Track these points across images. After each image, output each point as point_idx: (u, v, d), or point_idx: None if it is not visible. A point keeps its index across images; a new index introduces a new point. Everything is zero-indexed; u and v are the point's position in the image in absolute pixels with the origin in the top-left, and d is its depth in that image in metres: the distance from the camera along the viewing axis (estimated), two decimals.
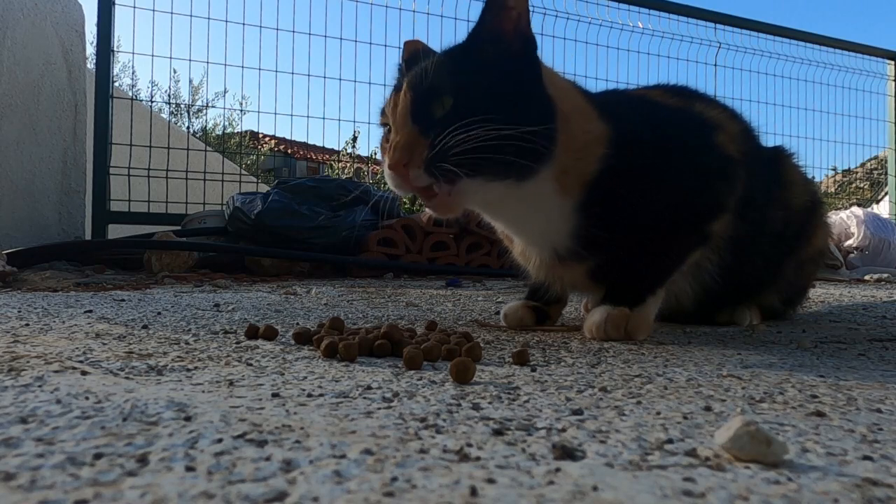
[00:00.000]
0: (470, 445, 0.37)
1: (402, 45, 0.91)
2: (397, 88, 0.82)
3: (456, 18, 3.39)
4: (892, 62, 4.58)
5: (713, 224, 0.91)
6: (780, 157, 1.11)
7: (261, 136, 7.84)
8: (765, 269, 1.05)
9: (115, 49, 3.05)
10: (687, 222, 0.89)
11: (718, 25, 4.01)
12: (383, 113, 0.84)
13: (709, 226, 0.91)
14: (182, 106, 6.83)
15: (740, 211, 0.93)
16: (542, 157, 0.78)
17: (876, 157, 5.37)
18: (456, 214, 0.80)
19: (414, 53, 0.88)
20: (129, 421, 0.41)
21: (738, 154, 0.93)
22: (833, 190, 5.77)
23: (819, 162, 4.49)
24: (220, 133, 6.36)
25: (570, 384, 0.56)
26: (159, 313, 1.06)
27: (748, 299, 1.08)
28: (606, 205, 0.83)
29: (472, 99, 0.75)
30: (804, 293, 1.24)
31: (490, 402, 0.48)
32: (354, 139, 4.70)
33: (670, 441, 0.39)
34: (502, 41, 0.79)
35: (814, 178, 4.54)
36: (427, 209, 0.81)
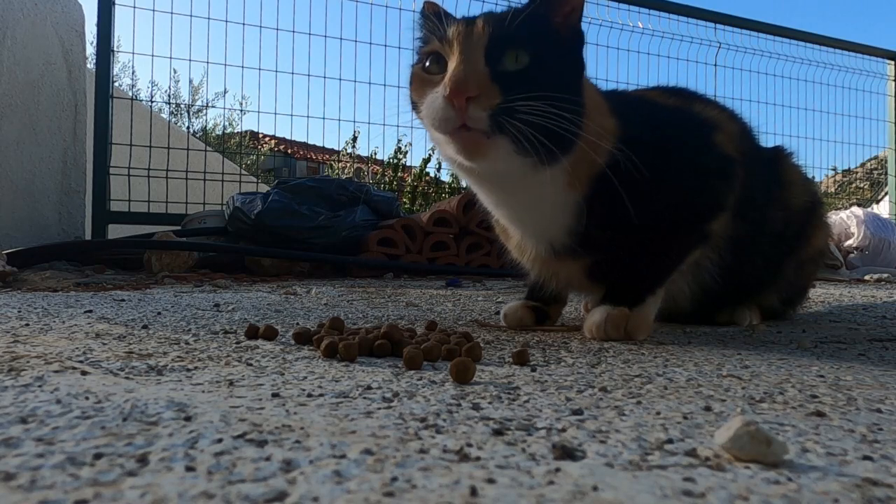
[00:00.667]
0: (470, 445, 0.37)
1: (421, 9, 0.88)
2: (425, 40, 0.82)
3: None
4: (892, 62, 4.58)
5: (712, 223, 0.91)
6: (779, 157, 1.11)
7: (261, 136, 7.84)
8: (764, 268, 1.05)
9: (115, 49, 3.05)
10: (686, 221, 0.89)
11: (718, 25, 4.01)
12: (426, 40, 0.82)
13: (708, 225, 0.91)
14: (182, 106, 6.83)
15: (740, 210, 0.93)
16: (570, 147, 0.78)
17: (876, 157, 5.37)
18: (479, 161, 0.77)
19: (437, 13, 0.86)
20: (129, 421, 0.41)
21: (737, 153, 0.94)
22: (833, 190, 5.77)
23: (819, 162, 4.50)
24: (220, 133, 6.37)
25: (570, 384, 0.56)
26: (159, 313, 1.06)
27: (748, 299, 1.08)
28: (608, 200, 0.83)
29: (545, 68, 0.76)
30: (804, 293, 1.24)
31: (490, 402, 0.48)
32: (354, 139, 4.69)
33: (670, 441, 0.39)
34: (560, 29, 0.81)
35: (814, 178, 4.54)
36: (450, 147, 0.77)
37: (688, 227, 0.90)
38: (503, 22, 0.77)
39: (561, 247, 0.87)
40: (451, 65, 0.75)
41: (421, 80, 0.80)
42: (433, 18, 0.83)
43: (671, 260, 0.90)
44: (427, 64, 0.79)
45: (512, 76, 0.74)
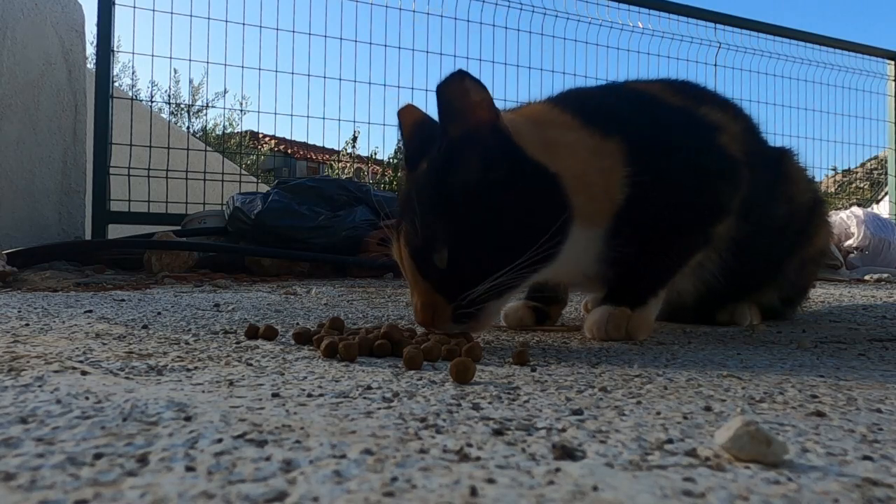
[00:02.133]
0: (470, 445, 0.37)
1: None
2: (406, 168, 0.83)
3: (456, 18, 3.39)
4: (892, 62, 4.57)
5: (717, 227, 0.91)
6: (783, 156, 1.11)
7: (261, 136, 7.84)
8: (766, 266, 1.05)
9: (115, 49, 3.05)
10: (691, 226, 0.89)
11: (718, 25, 4.01)
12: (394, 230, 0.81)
13: (712, 228, 0.91)
14: (182, 106, 6.83)
15: (744, 211, 0.93)
16: (563, 240, 0.77)
17: (876, 157, 5.37)
18: (489, 328, 0.83)
19: (415, 126, 0.85)
20: (129, 421, 0.41)
21: (742, 154, 0.93)
22: (833, 190, 5.77)
23: (819, 162, 4.48)
24: (220, 133, 6.36)
25: (570, 384, 0.56)
26: (159, 313, 1.06)
27: (748, 297, 1.08)
28: (632, 222, 0.83)
29: (471, 241, 0.73)
30: (805, 293, 1.24)
31: (490, 402, 0.48)
32: (354, 139, 4.69)
33: (670, 441, 0.39)
34: (478, 145, 0.74)
35: (814, 178, 4.54)
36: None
37: (693, 231, 0.90)
38: (415, 231, 0.74)
39: (593, 274, 0.87)
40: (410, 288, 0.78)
41: (398, 255, 0.81)
42: (407, 144, 0.85)
43: (674, 262, 0.90)
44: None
45: (450, 275, 0.73)
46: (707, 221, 0.90)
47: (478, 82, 0.73)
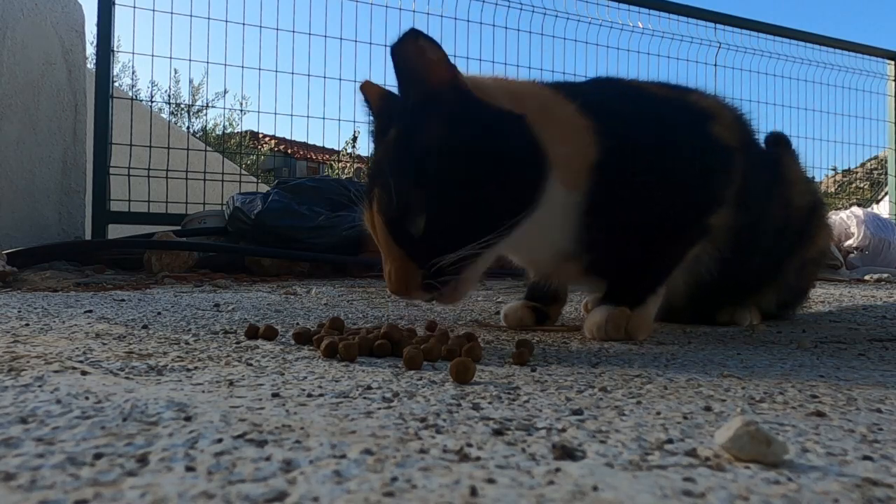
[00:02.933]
0: (470, 445, 0.37)
1: (358, 91, 0.86)
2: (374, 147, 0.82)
3: (456, 18, 3.39)
4: (892, 62, 4.57)
5: (712, 218, 0.89)
6: (781, 151, 1.11)
7: (261, 136, 7.84)
8: (763, 266, 1.04)
9: (115, 49, 3.05)
10: (686, 216, 0.87)
11: (718, 25, 4.01)
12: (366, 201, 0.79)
13: (708, 219, 0.89)
14: (182, 106, 6.82)
15: (739, 202, 0.91)
16: (541, 193, 0.75)
17: (876, 157, 5.37)
18: (462, 299, 0.81)
19: (380, 98, 0.84)
20: (129, 421, 0.41)
21: (736, 143, 0.92)
22: (833, 190, 5.77)
23: (819, 162, 4.48)
24: (220, 133, 6.36)
25: (570, 384, 0.56)
26: (159, 313, 1.06)
27: (746, 298, 1.07)
28: (607, 197, 0.81)
29: (444, 205, 0.72)
30: (804, 295, 1.23)
31: (490, 402, 0.48)
32: (354, 139, 4.70)
33: (670, 441, 0.39)
34: (440, 105, 0.74)
35: (814, 178, 4.54)
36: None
37: (688, 222, 0.88)
38: (389, 201, 0.73)
39: (567, 255, 0.86)
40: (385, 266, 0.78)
41: (371, 226, 0.81)
42: (376, 123, 0.84)
43: (671, 257, 0.89)
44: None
45: (423, 241, 0.73)
46: (698, 208, 0.88)
47: (432, 40, 0.72)
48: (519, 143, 0.75)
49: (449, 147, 0.73)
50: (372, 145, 0.87)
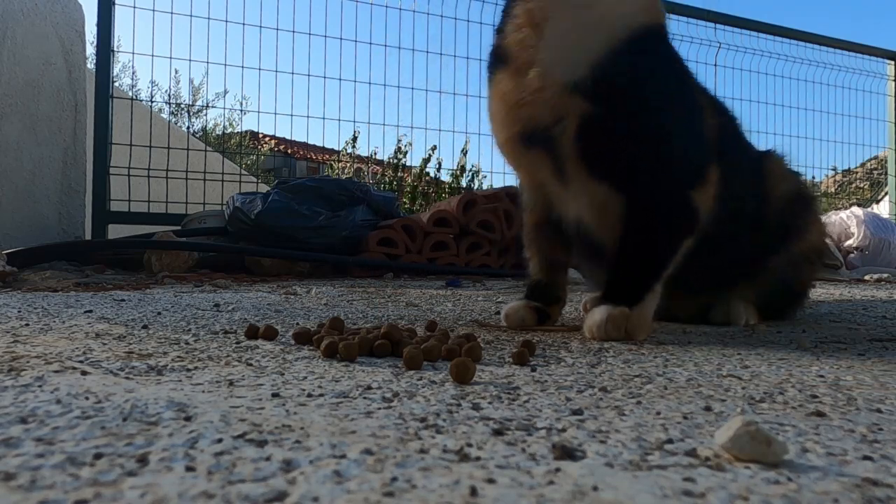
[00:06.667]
0: (470, 445, 0.37)
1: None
2: None
3: (456, 18, 3.39)
4: (892, 62, 4.58)
5: (698, 195, 0.89)
6: (764, 156, 1.12)
7: (261, 136, 7.84)
8: (736, 256, 1.04)
9: (115, 49, 3.05)
10: (671, 182, 0.88)
11: (718, 25, 4.02)
12: None
13: (692, 192, 0.89)
14: (182, 106, 6.83)
15: (718, 189, 0.92)
16: None
17: (876, 157, 5.37)
18: None
19: None
20: (129, 421, 0.41)
21: (715, 122, 0.96)
22: (833, 190, 5.77)
23: (819, 162, 4.50)
24: (220, 133, 6.36)
25: (570, 384, 0.56)
26: (159, 313, 1.06)
27: (719, 290, 1.07)
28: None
29: None
30: (801, 295, 1.19)
31: (490, 402, 0.48)
32: (354, 139, 4.68)
33: (670, 441, 0.39)
34: None
35: (814, 177, 4.55)
36: None
37: (673, 193, 0.89)
38: None
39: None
40: None
41: None
42: None
43: (665, 248, 0.89)
44: None
45: None
46: (687, 178, 0.89)
47: None
48: None
49: None
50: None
